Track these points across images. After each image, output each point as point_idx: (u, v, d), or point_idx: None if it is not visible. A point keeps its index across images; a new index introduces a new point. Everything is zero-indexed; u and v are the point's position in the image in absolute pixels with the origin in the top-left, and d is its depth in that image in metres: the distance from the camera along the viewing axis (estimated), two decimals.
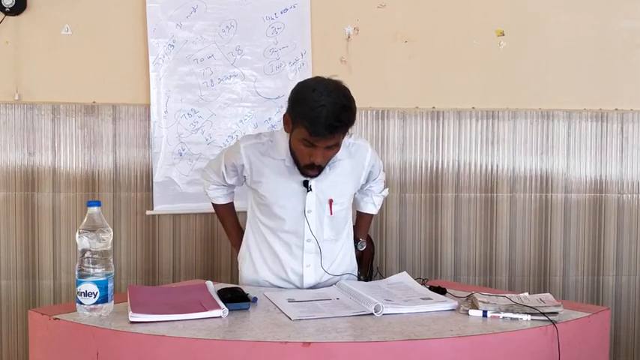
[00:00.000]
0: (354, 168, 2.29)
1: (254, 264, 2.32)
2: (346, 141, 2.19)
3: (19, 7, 3.01)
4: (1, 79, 3.08)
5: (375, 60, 3.21)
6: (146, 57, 3.08)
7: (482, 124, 3.25)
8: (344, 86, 2.05)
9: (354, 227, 2.47)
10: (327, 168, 2.16)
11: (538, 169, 3.27)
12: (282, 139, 2.18)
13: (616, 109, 3.28)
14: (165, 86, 3.09)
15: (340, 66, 3.17)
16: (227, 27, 3.12)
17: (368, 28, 3.19)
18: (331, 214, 2.23)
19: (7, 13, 3.02)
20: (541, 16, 3.24)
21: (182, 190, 3.12)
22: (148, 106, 3.09)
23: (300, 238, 2.23)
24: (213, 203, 2.49)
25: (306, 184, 2.18)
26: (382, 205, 3.21)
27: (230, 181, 2.35)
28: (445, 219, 3.26)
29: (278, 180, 2.20)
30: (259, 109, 3.16)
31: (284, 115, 2.11)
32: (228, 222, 2.51)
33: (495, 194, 3.26)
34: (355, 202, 2.52)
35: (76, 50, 3.09)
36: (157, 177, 3.10)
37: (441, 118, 3.24)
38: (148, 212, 3.12)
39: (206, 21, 3.10)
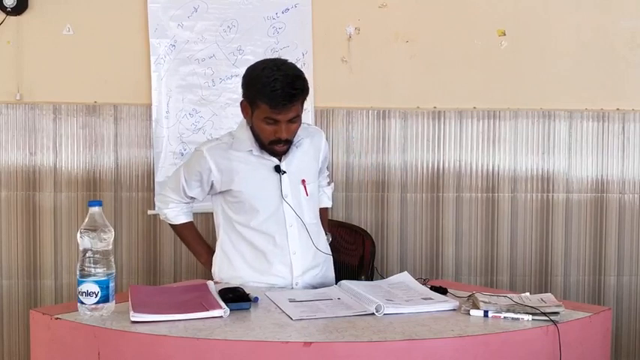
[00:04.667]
0: (315, 150, 2.34)
1: (235, 269, 2.27)
2: (303, 124, 2.27)
3: (21, 7, 3.02)
4: (2, 79, 3.08)
5: (377, 60, 3.21)
6: (147, 57, 3.08)
7: (484, 124, 3.25)
8: (290, 62, 2.14)
9: None
10: (293, 147, 2.22)
11: (539, 168, 3.27)
12: (243, 132, 2.22)
13: (617, 109, 3.28)
14: (166, 86, 3.09)
15: (341, 66, 3.17)
16: (228, 27, 3.12)
17: (369, 28, 3.19)
18: (307, 194, 2.26)
19: (8, 13, 3.02)
20: (542, 16, 3.24)
21: None
22: (149, 106, 3.10)
23: (282, 226, 2.23)
24: (173, 225, 2.40)
25: (278, 169, 2.21)
26: (383, 204, 3.24)
27: (191, 193, 2.29)
28: (446, 219, 3.26)
29: (250, 172, 2.21)
30: None
31: (241, 103, 2.18)
32: (194, 240, 2.43)
33: (497, 194, 3.26)
34: None
35: (78, 50, 3.09)
36: (159, 177, 3.10)
37: (443, 118, 3.23)
38: (150, 212, 3.12)
39: (207, 21, 3.10)
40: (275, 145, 2.15)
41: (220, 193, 2.27)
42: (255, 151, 2.20)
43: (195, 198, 2.33)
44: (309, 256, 2.27)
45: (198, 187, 2.27)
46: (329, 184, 2.58)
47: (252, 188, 2.22)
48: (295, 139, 2.21)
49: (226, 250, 2.30)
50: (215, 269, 2.34)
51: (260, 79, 2.07)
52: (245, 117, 2.20)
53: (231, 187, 2.22)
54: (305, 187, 2.25)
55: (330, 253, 2.40)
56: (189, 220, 2.41)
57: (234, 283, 2.18)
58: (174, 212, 2.37)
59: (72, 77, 3.10)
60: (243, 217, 2.25)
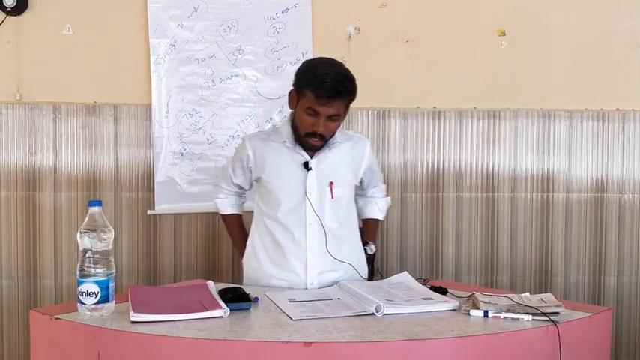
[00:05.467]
0: (355, 158, 2.37)
1: (258, 260, 2.34)
2: (348, 132, 2.43)
3: (21, 7, 3.02)
4: (2, 79, 3.08)
5: (376, 60, 3.21)
6: (147, 57, 3.08)
7: (484, 124, 3.25)
8: (346, 66, 2.22)
9: (361, 232, 2.48)
10: (327, 148, 2.25)
11: (539, 168, 3.27)
12: (284, 125, 2.30)
13: (617, 109, 3.28)
14: (166, 86, 3.09)
15: None
16: (228, 27, 3.12)
17: (369, 28, 3.20)
18: (332, 197, 2.27)
19: (8, 13, 3.02)
20: (542, 16, 3.24)
21: (183, 190, 3.12)
22: (149, 106, 3.10)
23: (302, 223, 2.26)
24: (222, 215, 2.54)
25: (306, 165, 2.25)
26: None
27: (237, 180, 2.43)
28: (446, 219, 3.26)
29: (280, 163, 2.28)
30: (260, 109, 3.16)
31: (289, 92, 2.24)
32: (237, 232, 2.53)
33: (496, 194, 3.26)
34: (360, 211, 2.53)
35: (78, 50, 3.09)
36: (159, 177, 3.10)
37: (443, 118, 3.23)
38: (150, 212, 3.12)
39: (207, 21, 3.10)
40: (310, 137, 2.20)
41: (256, 182, 2.37)
42: (289, 142, 2.26)
43: (242, 187, 2.47)
44: (327, 257, 2.26)
45: (241, 174, 2.41)
46: (385, 197, 2.58)
47: (279, 179, 2.28)
48: (331, 141, 2.25)
49: (254, 242, 2.38)
50: (245, 259, 2.42)
51: (313, 71, 2.16)
52: (290, 107, 2.25)
53: (261, 176, 2.31)
54: (332, 189, 2.27)
55: (363, 264, 2.40)
56: (236, 213, 2.53)
57: (258, 276, 2.30)
58: (224, 203, 2.51)
59: (72, 77, 3.10)
60: (270, 209, 2.31)
